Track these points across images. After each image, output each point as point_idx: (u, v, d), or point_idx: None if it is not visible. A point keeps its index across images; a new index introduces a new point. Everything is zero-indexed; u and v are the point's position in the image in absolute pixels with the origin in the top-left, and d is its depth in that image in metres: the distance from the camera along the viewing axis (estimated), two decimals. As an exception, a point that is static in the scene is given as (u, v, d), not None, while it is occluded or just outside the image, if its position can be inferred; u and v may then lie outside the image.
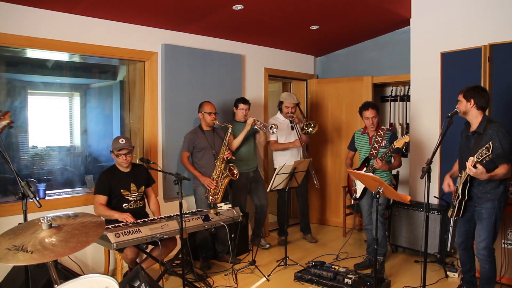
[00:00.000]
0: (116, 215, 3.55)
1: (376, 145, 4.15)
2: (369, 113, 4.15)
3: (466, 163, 3.03)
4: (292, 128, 5.06)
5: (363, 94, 5.80)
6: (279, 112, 5.24)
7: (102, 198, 3.67)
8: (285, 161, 4.83)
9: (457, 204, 3.33)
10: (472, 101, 3.25)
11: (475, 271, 3.61)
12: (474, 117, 3.28)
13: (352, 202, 4.39)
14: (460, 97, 3.32)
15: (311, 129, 5.03)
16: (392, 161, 4.23)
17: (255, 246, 4.96)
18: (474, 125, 3.30)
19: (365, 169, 4.19)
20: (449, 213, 3.53)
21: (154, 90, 4.54)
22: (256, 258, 4.39)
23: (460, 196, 3.27)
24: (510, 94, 4.08)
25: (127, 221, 3.48)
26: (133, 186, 3.80)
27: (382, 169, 4.05)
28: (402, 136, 3.85)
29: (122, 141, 3.69)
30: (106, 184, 3.70)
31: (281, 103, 5.16)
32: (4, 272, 3.42)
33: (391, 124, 5.99)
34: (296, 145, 5.05)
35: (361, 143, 4.35)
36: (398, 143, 3.84)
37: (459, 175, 3.36)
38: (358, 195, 4.29)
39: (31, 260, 1.96)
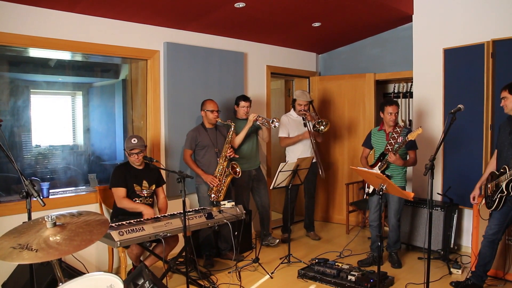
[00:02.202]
0: (141, 207, 3.71)
1: (393, 141, 4.16)
2: (392, 109, 4.20)
3: None
4: (305, 125, 5.06)
5: (365, 91, 5.79)
6: (292, 109, 5.26)
7: (122, 191, 3.77)
8: (297, 157, 4.83)
9: (497, 199, 3.35)
10: None
11: (490, 268, 3.59)
12: None
13: (364, 197, 4.40)
14: (506, 94, 3.31)
15: (322, 127, 5.01)
16: (408, 158, 4.25)
17: (264, 245, 4.98)
18: None
19: (380, 163, 4.20)
20: (480, 204, 3.58)
21: (156, 88, 4.54)
22: (260, 256, 4.39)
23: (505, 191, 3.29)
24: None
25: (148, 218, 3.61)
26: (145, 183, 3.89)
27: (396, 163, 4.06)
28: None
29: (134, 140, 3.79)
30: (122, 177, 3.80)
31: (294, 100, 5.18)
32: (9, 270, 3.44)
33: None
34: (305, 136, 5.05)
35: (378, 139, 4.35)
36: (412, 136, 3.85)
37: (501, 170, 3.35)
38: (370, 190, 4.28)
39: (36, 258, 1.96)
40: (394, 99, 4.24)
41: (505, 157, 3.33)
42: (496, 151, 3.59)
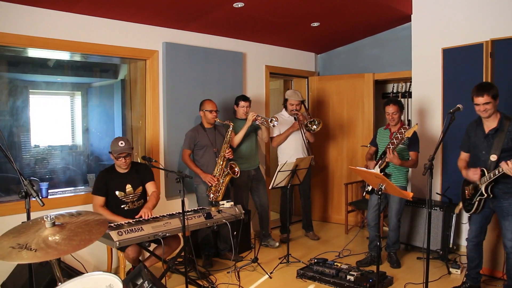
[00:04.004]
0: (118, 219, 3.55)
1: (395, 141, 4.15)
2: (389, 109, 4.21)
3: (503, 163, 3.01)
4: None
5: (364, 91, 5.80)
6: (284, 109, 5.25)
7: (101, 200, 3.69)
8: (289, 157, 4.83)
9: (477, 201, 3.34)
10: (498, 99, 3.23)
11: (481, 267, 3.60)
12: (495, 115, 3.29)
13: (364, 195, 4.41)
14: (488, 98, 3.20)
15: (315, 126, 5.01)
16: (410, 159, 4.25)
17: (263, 245, 4.98)
18: (494, 123, 3.28)
19: (380, 161, 4.20)
20: (457, 209, 3.54)
21: (155, 88, 4.54)
22: (258, 256, 4.39)
23: (485, 194, 3.26)
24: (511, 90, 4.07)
25: None
26: (128, 187, 3.77)
27: (393, 161, 4.05)
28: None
29: (121, 143, 3.64)
30: (103, 184, 3.70)
31: (286, 100, 5.17)
32: (8, 270, 3.44)
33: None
34: (295, 127, 5.05)
35: (382, 138, 4.37)
36: (408, 133, 3.86)
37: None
38: (370, 188, 4.27)
39: (35, 258, 1.96)
40: (396, 98, 4.23)
41: (484, 161, 3.31)
42: (464, 154, 3.57)
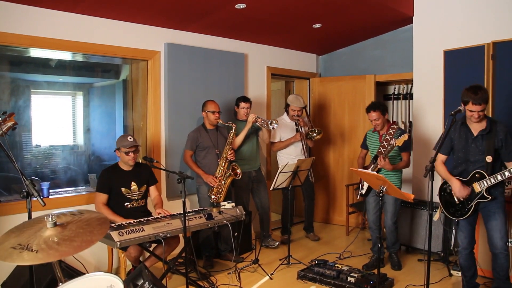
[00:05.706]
0: (118, 220, 3.55)
1: (385, 143, 4.14)
2: (370, 116, 4.17)
3: None
4: (297, 131, 5.07)
5: (365, 93, 5.79)
6: (285, 113, 5.26)
7: (103, 197, 3.69)
8: (288, 160, 4.83)
9: (473, 205, 3.25)
10: (487, 103, 3.15)
11: (477, 275, 3.53)
12: (483, 119, 3.23)
13: (358, 198, 4.38)
14: (484, 106, 3.10)
15: (315, 134, 5.05)
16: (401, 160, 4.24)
17: (264, 246, 4.99)
18: (482, 125, 3.22)
19: (372, 166, 4.19)
20: (437, 216, 3.52)
21: (157, 89, 4.54)
22: (259, 257, 4.38)
23: (488, 197, 3.18)
24: (513, 92, 4.07)
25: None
26: (133, 185, 3.80)
27: (385, 167, 4.05)
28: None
29: (130, 138, 3.70)
30: (106, 182, 3.71)
31: (287, 105, 5.17)
32: (8, 270, 3.44)
33: (393, 122, 5.97)
34: (297, 138, 5.06)
35: (372, 141, 4.35)
36: (398, 142, 3.85)
37: (476, 175, 3.24)
38: (364, 191, 4.27)
39: (36, 259, 1.95)
40: (377, 102, 4.14)
41: (473, 162, 3.25)
42: (443, 156, 3.46)
